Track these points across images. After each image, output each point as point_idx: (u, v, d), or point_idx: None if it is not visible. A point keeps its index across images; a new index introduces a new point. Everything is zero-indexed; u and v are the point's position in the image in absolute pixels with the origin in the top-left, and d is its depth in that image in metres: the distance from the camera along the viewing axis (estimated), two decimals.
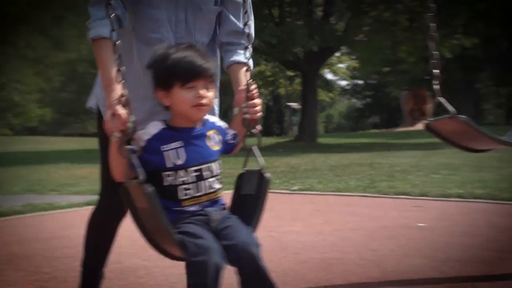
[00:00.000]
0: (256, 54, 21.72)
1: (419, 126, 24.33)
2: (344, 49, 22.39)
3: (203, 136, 1.57)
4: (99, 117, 1.84)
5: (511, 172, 6.68)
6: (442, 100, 1.97)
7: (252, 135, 1.70)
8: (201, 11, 1.80)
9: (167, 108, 1.59)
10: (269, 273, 1.46)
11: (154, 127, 1.54)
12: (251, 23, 1.84)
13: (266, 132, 34.25)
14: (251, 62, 1.81)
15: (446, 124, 1.96)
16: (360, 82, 38.85)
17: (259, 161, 1.65)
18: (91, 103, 1.91)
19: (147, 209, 1.41)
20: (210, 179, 1.54)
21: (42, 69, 27.84)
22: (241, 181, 1.67)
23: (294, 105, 28.81)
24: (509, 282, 2.26)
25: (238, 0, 1.86)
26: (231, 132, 1.67)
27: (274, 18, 17.39)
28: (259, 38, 17.97)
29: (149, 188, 1.39)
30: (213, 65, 1.57)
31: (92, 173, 8.63)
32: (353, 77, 37.04)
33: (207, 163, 1.55)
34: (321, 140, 18.03)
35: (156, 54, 1.56)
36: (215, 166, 1.57)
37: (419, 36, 13.31)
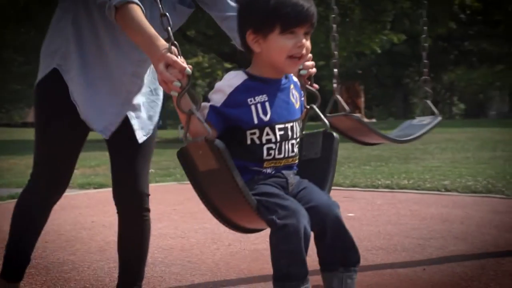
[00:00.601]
0: (193, 45, 21.57)
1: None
2: None
3: (288, 90, 1.40)
4: (38, 92, 1.76)
5: (435, 163, 7.09)
6: (339, 98, 2.19)
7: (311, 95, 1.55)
8: (174, 11, 1.77)
9: (252, 54, 1.39)
10: (352, 237, 1.36)
11: (236, 78, 1.35)
12: None
13: None
14: None
15: (342, 121, 2.15)
16: None
17: (324, 120, 1.50)
18: (40, 75, 1.78)
19: (217, 169, 1.23)
20: (293, 141, 1.39)
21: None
22: (302, 146, 1.49)
23: None
24: (429, 267, 2.41)
25: None
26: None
27: None
28: (195, 28, 17.83)
29: (220, 144, 1.22)
30: (315, 10, 1.37)
31: (17, 164, 8.24)
32: None
33: (293, 121, 1.39)
34: None
35: None
36: (298, 127, 1.41)
37: (352, 31, 13.71)
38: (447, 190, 4.78)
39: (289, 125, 1.37)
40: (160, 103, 1.91)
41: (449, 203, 4.15)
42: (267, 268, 2.51)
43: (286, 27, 1.31)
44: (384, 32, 14.44)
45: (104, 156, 9.17)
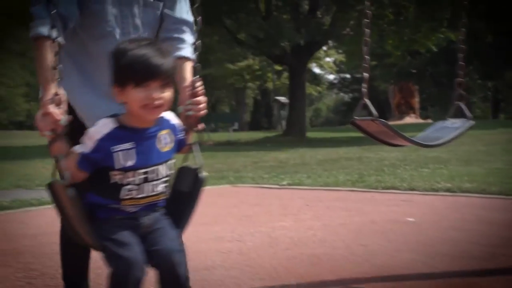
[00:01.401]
0: (244, 48, 21.75)
1: (407, 119, 24.46)
2: (331, 43, 22.43)
3: (154, 137, 1.53)
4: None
5: (499, 166, 6.74)
6: (367, 102, 2.17)
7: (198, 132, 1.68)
8: (145, 7, 1.81)
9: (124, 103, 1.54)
10: (187, 282, 1.49)
11: (105, 126, 1.49)
12: (189, 10, 1.88)
13: (254, 127, 34.22)
14: (192, 52, 1.82)
15: (369, 125, 2.20)
16: (348, 76, 38.98)
17: (197, 159, 1.62)
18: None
19: (69, 212, 1.43)
20: (155, 182, 1.52)
21: (27, 63, 27.46)
22: (177, 176, 1.63)
23: (282, 99, 28.80)
24: (501, 277, 2.27)
25: None
26: (181, 129, 1.63)
27: (261, 12, 17.33)
28: (246, 32, 17.95)
29: (72, 193, 1.40)
30: (171, 65, 1.50)
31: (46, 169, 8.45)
32: (340, 71, 37.16)
33: (158, 165, 1.52)
34: (310, 134, 18.05)
35: (117, 48, 1.51)
36: (162, 169, 1.54)
37: (405, 29, 13.34)
38: None
39: (152, 169, 1.51)
40: None
41: None
42: (326, 274, 2.46)
43: (138, 82, 1.45)
44: (441, 29, 13.95)
45: None
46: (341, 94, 44.58)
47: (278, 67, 29.15)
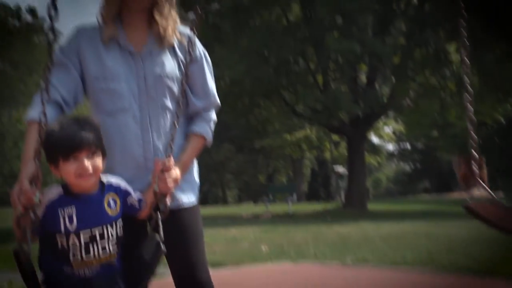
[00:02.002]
0: (301, 119, 21.97)
1: (476, 192, 23.20)
2: (390, 113, 22.23)
3: (98, 200, 1.64)
4: None
5: None
6: (481, 182, 1.99)
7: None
8: (161, 78, 1.85)
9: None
10: None
11: (53, 193, 1.62)
12: (212, 85, 1.94)
13: (312, 197, 33.76)
14: (207, 131, 1.89)
15: (486, 207, 1.94)
16: (408, 146, 38.20)
17: (159, 235, 1.70)
18: None
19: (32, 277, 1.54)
20: (103, 243, 1.61)
21: None
22: (139, 241, 1.71)
23: (341, 169, 28.47)
24: None
25: (201, 66, 1.92)
26: (137, 196, 1.73)
27: (318, 85, 17.61)
28: (303, 104, 18.21)
29: (28, 265, 1.50)
30: (92, 135, 1.62)
31: None
32: (399, 141, 36.52)
33: (99, 226, 1.62)
34: (371, 206, 17.53)
35: (45, 131, 1.63)
36: (111, 230, 1.63)
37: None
38: None
39: (98, 230, 1.61)
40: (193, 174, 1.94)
41: None
42: None
43: (65, 156, 1.59)
44: (509, 100, 13.56)
45: (218, 233, 9.34)
46: (401, 163, 43.56)
47: (336, 138, 29.09)
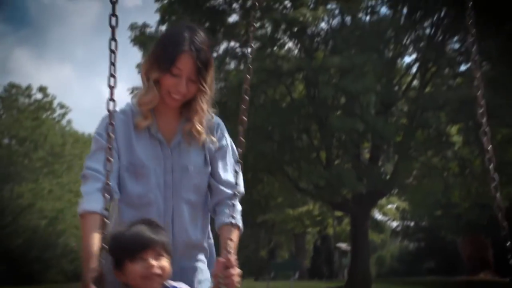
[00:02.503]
0: (304, 195, 21.86)
1: (482, 276, 22.48)
2: (394, 190, 22.14)
3: None
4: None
5: None
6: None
7: None
8: (187, 172, 1.87)
9: (127, 285, 1.58)
10: None
11: None
12: (241, 181, 1.93)
13: (314, 274, 32.81)
14: (239, 220, 1.86)
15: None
16: (411, 224, 37.69)
17: None
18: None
19: None
20: None
21: None
22: None
23: (344, 246, 27.96)
24: None
25: (227, 155, 1.96)
26: None
27: (322, 161, 17.71)
28: (306, 180, 18.21)
29: None
30: (161, 235, 1.58)
31: None
32: (403, 219, 36.07)
33: None
34: (375, 286, 16.99)
35: (110, 236, 1.59)
36: None
37: (474, 182, 13.06)
38: None
39: None
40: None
41: None
42: None
43: (132, 256, 1.54)
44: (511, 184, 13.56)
45: None
46: (406, 241, 42.75)
47: (339, 213, 28.80)
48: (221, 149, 1.96)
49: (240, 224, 1.87)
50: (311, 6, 14.36)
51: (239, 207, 1.90)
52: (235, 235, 1.82)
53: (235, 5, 15.55)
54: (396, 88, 15.79)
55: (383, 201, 26.43)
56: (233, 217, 1.84)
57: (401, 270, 39.43)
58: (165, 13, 15.79)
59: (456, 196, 15.37)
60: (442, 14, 14.79)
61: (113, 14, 1.65)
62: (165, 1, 15.71)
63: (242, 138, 1.82)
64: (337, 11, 15.08)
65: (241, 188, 1.95)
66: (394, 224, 38.57)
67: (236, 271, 1.66)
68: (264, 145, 14.43)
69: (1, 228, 24.13)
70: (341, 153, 18.77)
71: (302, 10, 13.33)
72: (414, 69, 16.24)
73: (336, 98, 15.62)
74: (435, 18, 15.12)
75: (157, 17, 16.00)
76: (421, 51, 14.99)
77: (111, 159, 1.65)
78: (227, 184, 1.92)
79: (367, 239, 17.83)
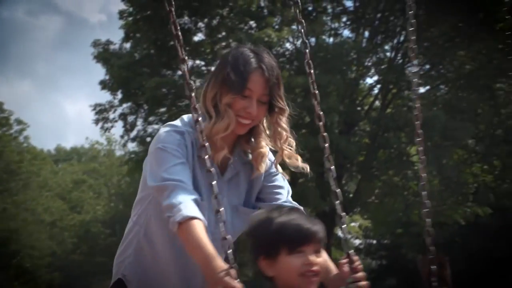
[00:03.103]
0: None
1: None
2: (356, 209, 22.45)
3: None
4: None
5: None
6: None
7: None
8: (237, 211, 1.83)
9: (270, 279, 1.41)
10: None
11: None
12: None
13: None
14: None
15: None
16: (374, 241, 38.19)
17: None
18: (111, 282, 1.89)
19: None
20: None
21: (56, 232, 27.92)
22: None
23: None
24: None
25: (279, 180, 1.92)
26: None
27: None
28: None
29: None
30: (322, 228, 1.45)
31: None
32: (366, 236, 36.52)
33: None
34: None
35: (256, 219, 1.44)
36: None
37: (432, 201, 13.35)
38: None
39: None
40: None
41: None
42: None
43: (292, 248, 1.37)
44: (467, 204, 14.00)
45: None
46: (368, 259, 43.23)
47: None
48: (274, 178, 1.94)
49: None
50: (276, 27, 14.59)
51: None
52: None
53: (200, 24, 15.62)
54: (359, 108, 16.13)
55: (346, 219, 26.71)
56: None
57: None
58: (129, 31, 15.69)
59: (415, 215, 15.74)
60: (401, 38, 15.29)
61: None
62: (130, 19, 15.63)
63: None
64: None
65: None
66: (357, 242, 39.00)
67: (363, 274, 1.57)
68: None
69: None
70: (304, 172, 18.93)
71: (267, 31, 13.52)
72: (376, 90, 16.69)
73: (300, 118, 15.81)
74: (395, 41, 15.63)
75: (121, 33, 15.89)
76: (382, 73, 15.42)
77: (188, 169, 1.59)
78: (285, 196, 1.95)
79: (330, 257, 17.95)
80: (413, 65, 2.14)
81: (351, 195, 17.51)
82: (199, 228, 1.51)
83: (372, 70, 16.17)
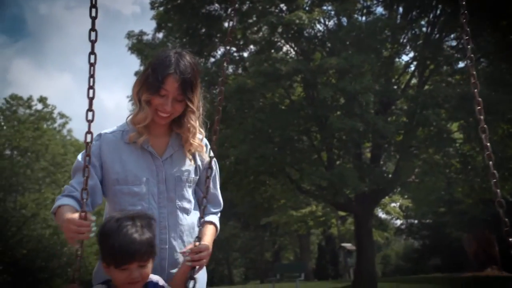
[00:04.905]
0: (307, 196, 21.84)
1: (489, 271, 22.29)
2: (396, 189, 22.15)
3: None
4: None
5: None
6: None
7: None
8: (181, 181, 2.04)
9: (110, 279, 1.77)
10: None
11: None
12: (218, 192, 2.20)
13: (320, 275, 32.80)
14: (218, 224, 2.15)
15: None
16: (415, 221, 37.65)
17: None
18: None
19: None
20: None
21: (100, 222, 28.71)
22: None
23: (348, 246, 27.93)
24: None
25: (214, 176, 2.17)
26: None
27: (323, 162, 17.71)
28: (308, 182, 18.21)
29: None
30: (148, 241, 1.69)
31: None
32: (407, 217, 36.07)
33: None
34: (381, 285, 16.97)
35: (102, 229, 1.72)
36: None
37: (476, 178, 13.05)
38: None
39: None
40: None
41: None
42: None
43: (117, 266, 1.68)
44: None
45: None
46: (411, 240, 42.69)
47: (342, 213, 28.78)
48: (212, 169, 2.13)
49: (218, 226, 2.15)
50: (307, 8, 14.39)
51: (218, 210, 2.22)
52: (209, 229, 2.08)
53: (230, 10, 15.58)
54: (395, 87, 15.81)
55: (386, 199, 26.44)
56: (216, 221, 2.16)
57: (407, 268, 39.36)
58: (161, 21, 15.84)
59: (459, 193, 15.35)
60: (438, 12, 14.81)
61: (93, 29, 1.78)
62: (161, 9, 15.75)
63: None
64: (333, 13, 15.11)
65: (222, 204, 2.25)
66: (398, 222, 38.56)
67: (204, 247, 1.90)
68: (265, 148, 14.46)
69: (6, 238, 24.17)
70: (342, 153, 18.76)
71: (298, 13, 13.36)
72: (412, 68, 16.28)
73: (335, 99, 15.64)
74: (431, 16, 15.15)
75: (154, 24, 16.06)
76: (418, 49, 15.02)
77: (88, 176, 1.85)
78: (214, 202, 2.18)
79: (371, 238, 17.83)
80: (470, 66, 2.13)
81: (390, 175, 17.28)
82: (65, 209, 1.85)
83: (408, 47, 15.76)
